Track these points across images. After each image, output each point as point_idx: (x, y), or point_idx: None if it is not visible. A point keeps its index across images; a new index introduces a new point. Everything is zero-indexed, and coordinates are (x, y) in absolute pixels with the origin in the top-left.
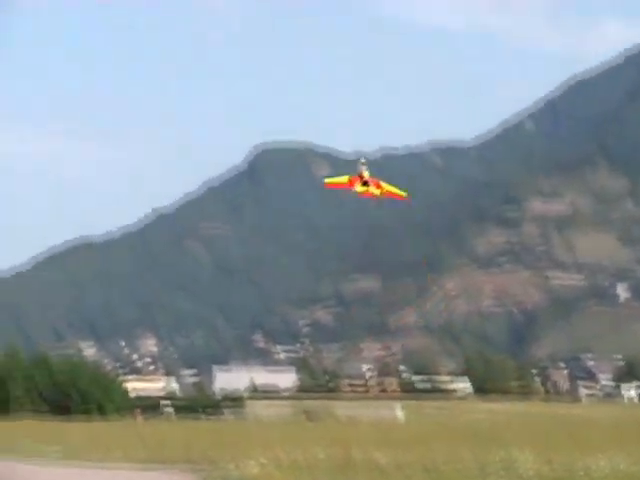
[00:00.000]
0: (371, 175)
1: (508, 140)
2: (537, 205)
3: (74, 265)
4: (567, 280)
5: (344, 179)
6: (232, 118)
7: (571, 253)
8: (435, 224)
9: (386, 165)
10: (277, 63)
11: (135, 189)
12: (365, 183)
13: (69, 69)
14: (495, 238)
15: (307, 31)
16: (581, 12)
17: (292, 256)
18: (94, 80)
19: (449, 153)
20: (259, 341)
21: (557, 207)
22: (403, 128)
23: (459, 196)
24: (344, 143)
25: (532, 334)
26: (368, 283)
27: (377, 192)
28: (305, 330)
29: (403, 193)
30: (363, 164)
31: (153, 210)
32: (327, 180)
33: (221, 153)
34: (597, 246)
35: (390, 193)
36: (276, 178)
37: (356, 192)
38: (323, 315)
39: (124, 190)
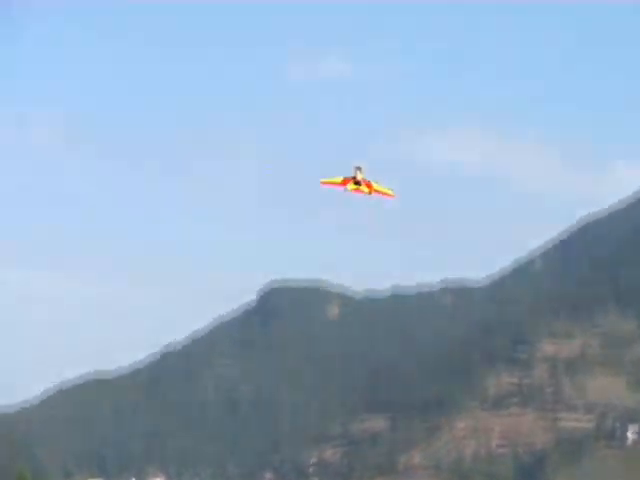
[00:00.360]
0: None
1: (518, 280)
2: (548, 346)
3: (83, 401)
4: (576, 422)
5: (338, 179)
6: (245, 256)
7: (581, 394)
8: (445, 364)
9: (397, 304)
10: (289, 204)
11: (146, 326)
12: (357, 183)
13: (85, 210)
14: (505, 379)
15: (318, 172)
16: (592, 155)
17: (301, 394)
18: (107, 219)
19: (459, 293)
20: None
21: (567, 348)
22: (414, 267)
23: (469, 336)
24: (356, 281)
25: (541, 475)
26: (377, 422)
27: (366, 190)
28: (313, 469)
29: (391, 192)
30: (358, 168)
31: (164, 347)
32: (323, 180)
33: (233, 290)
34: (606, 388)
35: (379, 192)
36: (287, 316)
37: (348, 190)
38: (331, 454)
39: (135, 327)
